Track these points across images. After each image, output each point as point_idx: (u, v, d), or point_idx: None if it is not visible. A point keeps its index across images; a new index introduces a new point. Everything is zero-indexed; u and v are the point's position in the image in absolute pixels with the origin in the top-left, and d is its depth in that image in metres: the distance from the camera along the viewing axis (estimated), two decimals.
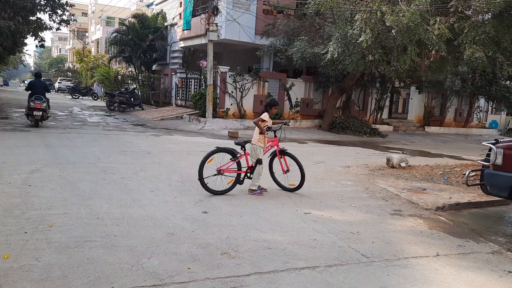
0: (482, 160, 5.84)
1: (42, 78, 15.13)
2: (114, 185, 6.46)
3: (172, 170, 7.97)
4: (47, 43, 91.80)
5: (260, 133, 6.49)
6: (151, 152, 9.99)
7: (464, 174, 8.38)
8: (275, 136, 6.81)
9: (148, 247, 4.11)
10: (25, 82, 55.76)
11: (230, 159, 6.43)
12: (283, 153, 6.76)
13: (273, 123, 6.79)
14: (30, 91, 13.49)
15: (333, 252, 4.36)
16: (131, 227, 4.63)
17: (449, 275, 3.99)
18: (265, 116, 6.56)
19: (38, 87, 13.46)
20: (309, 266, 3.95)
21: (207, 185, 6.28)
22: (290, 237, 4.69)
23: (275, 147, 6.77)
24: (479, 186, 6.70)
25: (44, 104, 13.09)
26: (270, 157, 6.91)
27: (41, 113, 13.02)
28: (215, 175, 6.34)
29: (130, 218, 4.93)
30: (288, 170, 6.72)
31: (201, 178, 6.20)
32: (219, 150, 6.37)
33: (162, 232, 4.55)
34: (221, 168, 6.36)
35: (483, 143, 5.89)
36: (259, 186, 6.61)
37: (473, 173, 7.06)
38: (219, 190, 6.35)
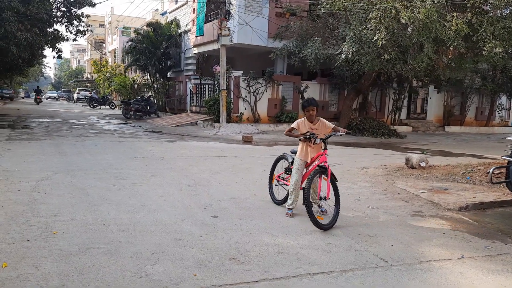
0: (508, 156, 5.51)
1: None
2: (124, 191, 6.32)
3: (183, 175, 7.80)
4: (67, 55, 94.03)
5: (300, 140, 5.35)
6: (164, 157, 9.87)
7: (488, 172, 8.01)
8: (325, 149, 5.19)
9: (153, 253, 3.92)
10: (45, 93, 63.19)
11: (285, 169, 5.82)
12: (321, 172, 5.12)
13: (333, 130, 5.23)
14: (35, 93, 40.02)
15: (349, 256, 4.10)
16: (137, 233, 4.46)
17: (476, 279, 3.69)
18: (295, 123, 5.35)
19: (38, 91, 39.98)
20: (323, 271, 3.70)
21: (274, 194, 5.98)
22: (303, 241, 4.45)
23: (323, 163, 5.08)
24: (504, 184, 6.36)
25: (40, 97, 39.43)
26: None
27: (39, 99, 39.13)
28: (282, 184, 5.95)
29: (137, 224, 4.76)
30: (324, 198, 5.16)
31: (270, 186, 6.05)
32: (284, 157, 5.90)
33: (169, 238, 4.36)
34: (279, 178, 5.96)
35: (508, 137, 5.55)
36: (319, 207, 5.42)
37: (498, 171, 6.71)
38: (279, 200, 5.90)
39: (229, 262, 3.82)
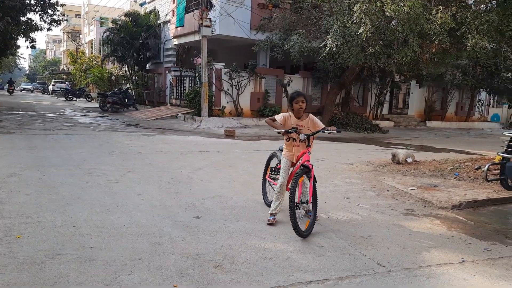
0: (503, 153, 5.29)
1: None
2: (97, 189, 5.87)
3: (163, 171, 7.38)
4: (42, 46, 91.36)
5: (279, 133, 4.68)
6: (142, 152, 9.40)
7: (477, 169, 7.83)
8: (308, 146, 4.64)
9: (128, 261, 3.53)
10: (19, 84, 61.74)
11: (271, 169, 5.34)
12: (305, 173, 4.53)
13: (327, 129, 4.59)
14: (8, 84, 41.78)
15: (343, 261, 3.79)
16: (111, 237, 4.05)
17: (481, 286, 3.43)
18: (279, 116, 4.80)
19: (10, 82, 41.55)
20: (317, 280, 3.37)
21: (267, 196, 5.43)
22: (293, 245, 4.12)
23: (306, 162, 4.53)
24: (498, 181, 6.18)
25: (13, 87, 41.16)
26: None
27: (12, 89, 40.87)
28: (271, 184, 5.38)
29: (111, 226, 4.34)
30: (306, 202, 4.67)
31: (263, 186, 5.54)
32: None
33: (147, 242, 3.97)
34: (270, 177, 5.40)
35: (504, 133, 5.33)
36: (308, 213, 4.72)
37: (485, 167, 6.50)
38: (270, 201, 5.17)
39: (213, 270, 3.45)
